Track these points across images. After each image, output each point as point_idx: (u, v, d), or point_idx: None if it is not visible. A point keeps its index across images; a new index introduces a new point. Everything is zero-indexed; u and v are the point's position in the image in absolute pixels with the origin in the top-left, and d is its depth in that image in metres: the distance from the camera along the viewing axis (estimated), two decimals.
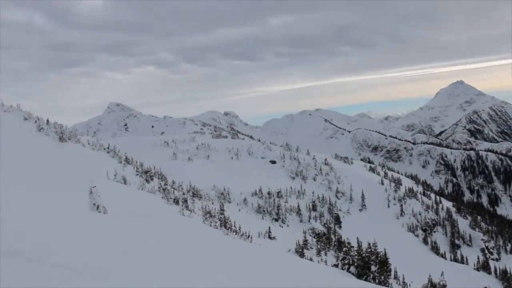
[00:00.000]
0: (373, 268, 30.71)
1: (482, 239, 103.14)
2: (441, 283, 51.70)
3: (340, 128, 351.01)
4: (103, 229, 9.00)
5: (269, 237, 70.19)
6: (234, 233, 58.34)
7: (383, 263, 31.72)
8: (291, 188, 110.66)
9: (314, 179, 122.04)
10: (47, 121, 75.11)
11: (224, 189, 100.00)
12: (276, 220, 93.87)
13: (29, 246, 3.79)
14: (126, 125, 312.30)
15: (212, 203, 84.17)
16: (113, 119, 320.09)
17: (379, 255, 32.04)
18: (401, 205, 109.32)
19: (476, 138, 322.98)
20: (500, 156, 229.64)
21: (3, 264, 3.22)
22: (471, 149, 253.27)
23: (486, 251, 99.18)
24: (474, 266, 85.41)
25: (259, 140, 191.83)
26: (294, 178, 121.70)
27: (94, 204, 24.46)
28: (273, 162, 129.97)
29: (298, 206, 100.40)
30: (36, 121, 72.42)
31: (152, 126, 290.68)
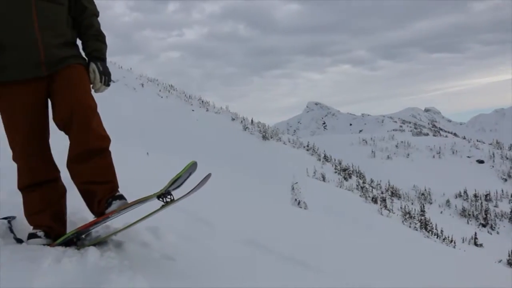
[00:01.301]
0: None
1: None
2: None
3: None
4: (309, 224, 9.33)
5: (475, 244, 64.95)
6: (436, 236, 55.34)
7: None
8: (502, 191, 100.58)
9: None
10: (252, 121, 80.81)
11: (425, 189, 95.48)
12: (484, 225, 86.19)
13: (258, 237, 4.17)
14: (324, 123, 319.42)
15: (412, 204, 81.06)
16: (312, 118, 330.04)
17: None
18: None
19: None
20: None
21: (245, 252, 3.59)
22: None
23: None
24: None
25: (464, 138, 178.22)
26: (506, 180, 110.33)
27: (296, 199, 25.53)
28: (481, 161, 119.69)
29: (511, 211, 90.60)
30: (242, 121, 78.50)
31: (350, 124, 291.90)
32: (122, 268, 2.25)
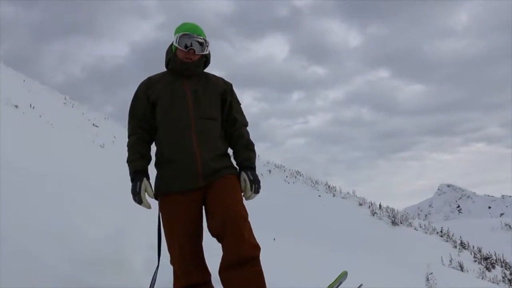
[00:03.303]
0: None
1: None
2: None
3: None
4: None
5: None
6: None
7: None
8: None
9: None
10: (380, 205, 78.24)
11: None
12: None
13: None
14: (458, 206, 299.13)
15: None
16: (445, 201, 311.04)
17: None
18: None
19: None
20: None
21: None
22: None
23: None
24: None
25: None
26: None
27: None
28: None
29: None
30: (369, 206, 76.36)
31: (489, 207, 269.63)
32: None
